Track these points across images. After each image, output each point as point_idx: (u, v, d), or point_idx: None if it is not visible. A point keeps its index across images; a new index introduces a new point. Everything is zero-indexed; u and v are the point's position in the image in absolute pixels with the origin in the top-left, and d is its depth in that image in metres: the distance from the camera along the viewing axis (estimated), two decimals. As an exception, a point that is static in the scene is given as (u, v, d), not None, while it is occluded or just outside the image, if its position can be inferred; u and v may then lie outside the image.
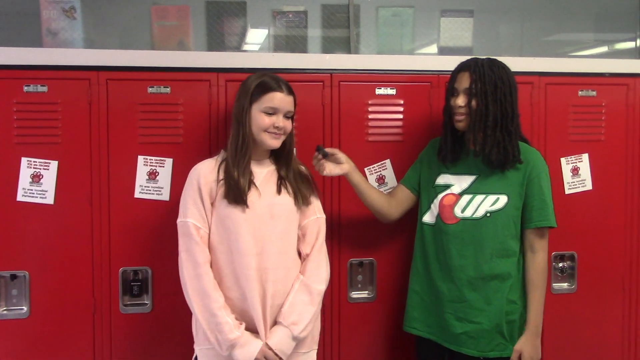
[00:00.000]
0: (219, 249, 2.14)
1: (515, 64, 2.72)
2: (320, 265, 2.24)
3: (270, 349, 2.08)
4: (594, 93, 2.81)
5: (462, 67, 2.30)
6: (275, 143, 2.18)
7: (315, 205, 2.29)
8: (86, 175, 2.46)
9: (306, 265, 2.22)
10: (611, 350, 2.85)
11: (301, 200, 2.22)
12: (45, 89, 2.43)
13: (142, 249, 2.48)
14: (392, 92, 2.67)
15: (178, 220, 2.15)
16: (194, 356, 2.21)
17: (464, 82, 2.25)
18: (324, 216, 2.30)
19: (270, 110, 2.15)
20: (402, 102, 2.66)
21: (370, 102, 2.64)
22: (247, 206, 2.11)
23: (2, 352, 2.44)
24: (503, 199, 2.28)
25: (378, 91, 2.66)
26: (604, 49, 3.55)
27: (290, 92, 2.20)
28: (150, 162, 2.48)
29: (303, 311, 2.15)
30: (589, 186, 2.80)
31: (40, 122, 2.43)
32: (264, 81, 2.17)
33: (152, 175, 2.48)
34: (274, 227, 2.16)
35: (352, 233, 2.64)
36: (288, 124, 2.20)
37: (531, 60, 2.79)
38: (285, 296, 2.16)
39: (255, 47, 3.00)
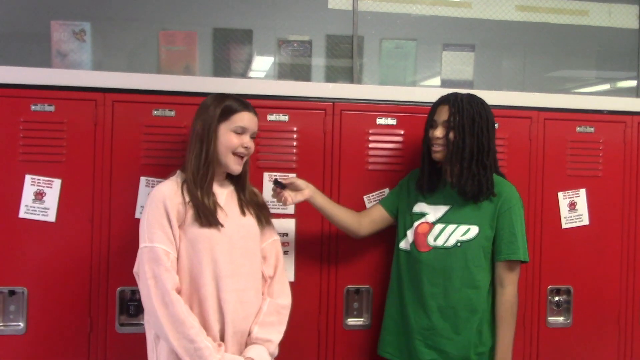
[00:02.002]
0: (188, 272, 2.09)
1: (514, 98, 2.79)
2: (285, 284, 2.28)
3: None
4: (592, 129, 2.85)
5: (442, 101, 2.36)
6: (238, 169, 2.19)
7: (271, 227, 2.32)
8: (88, 195, 2.49)
9: (272, 287, 2.24)
10: (606, 386, 2.84)
11: (264, 221, 2.26)
12: (52, 108, 2.48)
13: (140, 269, 2.50)
14: (393, 122, 2.71)
15: (142, 246, 2.06)
16: None
17: (443, 114, 2.32)
18: (278, 238, 2.34)
19: (240, 130, 2.16)
20: (402, 132, 2.70)
21: (370, 131, 2.68)
22: (222, 225, 2.11)
23: (-3, 368, 2.46)
24: (474, 230, 2.31)
25: (379, 121, 2.70)
26: (605, 86, 3.59)
27: (256, 113, 2.23)
28: (153, 184, 2.51)
29: (272, 331, 2.17)
30: (585, 221, 2.82)
31: (45, 141, 2.47)
32: (233, 101, 2.18)
33: (154, 197, 2.50)
34: (244, 249, 2.16)
35: (349, 259, 2.65)
36: (252, 145, 2.21)
37: (530, 95, 2.84)
38: (252, 318, 2.16)
39: (261, 74, 3.05)
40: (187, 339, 1.99)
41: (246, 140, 2.17)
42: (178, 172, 2.21)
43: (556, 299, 2.80)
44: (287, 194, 2.30)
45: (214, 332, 2.08)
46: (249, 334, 2.15)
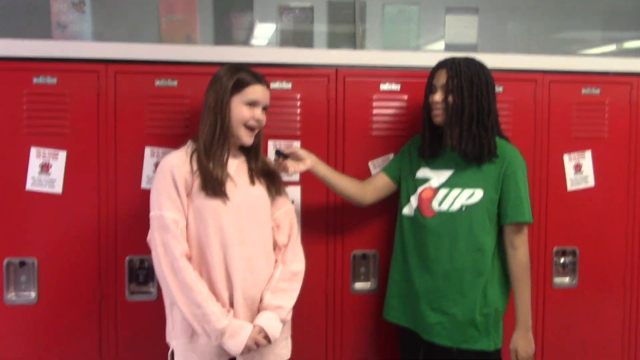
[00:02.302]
0: (196, 241, 2.12)
1: (519, 61, 2.77)
2: (299, 251, 2.29)
3: (261, 330, 2.10)
4: (598, 91, 2.83)
5: (440, 65, 2.36)
6: (249, 140, 2.19)
7: (284, 195, 2.33)
8: (94, 166, 2.50)
9: (286, 255, 2.25)
10: (611, 345, 2.87)
11: (274, 192, 2.26)
12: (54, 80, 2.48)
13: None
14: (397, 87, 2.69)
15: (152, 214, 2.11)
16: (170, 350, 2.19)
17: (442, 78, 2.31)
18: (293, 207, 2.35)
19: (252, 102, 2.16)
20: (406, 97, 2.69)
21: (374, 97, 2.67)
22: (228, 198, 2.12)
23: (11, 337, 2.50)
24: (479, 193, 2.32)
25: (382, 87, 2.68)
26: (612, 47, 3.56)
27: (268, 86, 2.23)
28: (157, 154, 2.52)
29: (283, 297, 2.18)
30: (591, 183, 2.82)
31: (49, 113, 2.48)
32: (246, 74, 2.17)
33: (159, 167, 2.52)
34: (253, 218, 2.17)
35: (356, 225, 2.67)
36: (264, 117, 2.21)
37: (535, 58, 2.81)
38: (264, 284, 2.18)
39: (264, 42, 3.03)
40: (195, 305, 2.03)
41: (258, 113, 2.17)
42: (189, 142, 2.22)
43: (562, 260, 2.81)
44: (289, 164, 2.31)
45: (223, 298, 2.11)
46: (261, 301, 2.17)
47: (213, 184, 2.10)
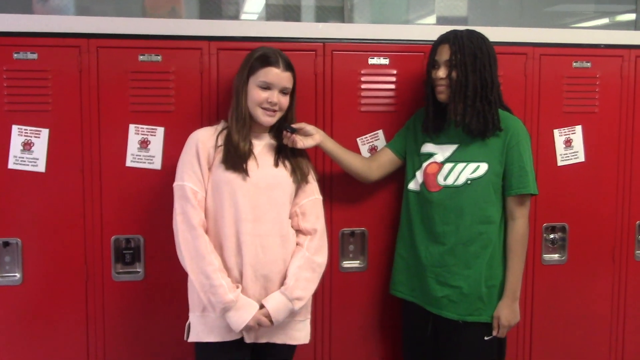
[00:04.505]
0: (212, 214, 2.16)
1: (509, 34, 2.73)
2: (324, 245, 2.29)
3: (267, 314, 2.12)
4: (589, 64, 2.79)
5: (442, 40, 2.32)
6: (268, 120, 2.20)
7: (314, 185, 2.32)
8: (77, 144, 2.45)
9: (312, 243, 2.25)
10: (600, 320, 2.88)
11: (299, 177, 2.25)
12: (35, 56, 2.41)
13: (134, 218, 2.49)
14: (385, 62, 2.65)
15: (175, 184, 2.17)
16: (187, 322, 2.22)
17: (444, 54, 2.28)
18: (321, 197, 2.33)
19: (264, 85, 2.16)
20: (395, 72, 2.65)
21: (363, 71, 2.62)
22: (247, 174, 2.13)
23: (-5, 318, 2.47)
24: (483, 167, 2.31)
25: (371, 61, 2.63)
26: (604, 20, 3.52)
27: (288, 68, 2.20)
28: (142, 131, 2.47)
29: (306, 288, 2.20)
30: (581, 158, 2.80)
31: (30, 90, 2.42)
32: (262, 55, 2.18)
33: (144, 144, 2.47)
34: (269, 197, 2.18)
35: (344, 203, 2.64)
36: (284, 100, 2.20)
37: (525, 30, 2.77)
38: (279, 264, 2.18)
39: (254, 16, 2.98)
40: (204, 275, 2.08)
41: (272, 95, 2.17)
42: (222, 121, 2.28)
43: (551, 236, 2.80)
44: (298, 139, 2.28)
45: (234, 273, 2.15)
46: (284, 284, 2.17)
47: (233, 159, 2.14)
